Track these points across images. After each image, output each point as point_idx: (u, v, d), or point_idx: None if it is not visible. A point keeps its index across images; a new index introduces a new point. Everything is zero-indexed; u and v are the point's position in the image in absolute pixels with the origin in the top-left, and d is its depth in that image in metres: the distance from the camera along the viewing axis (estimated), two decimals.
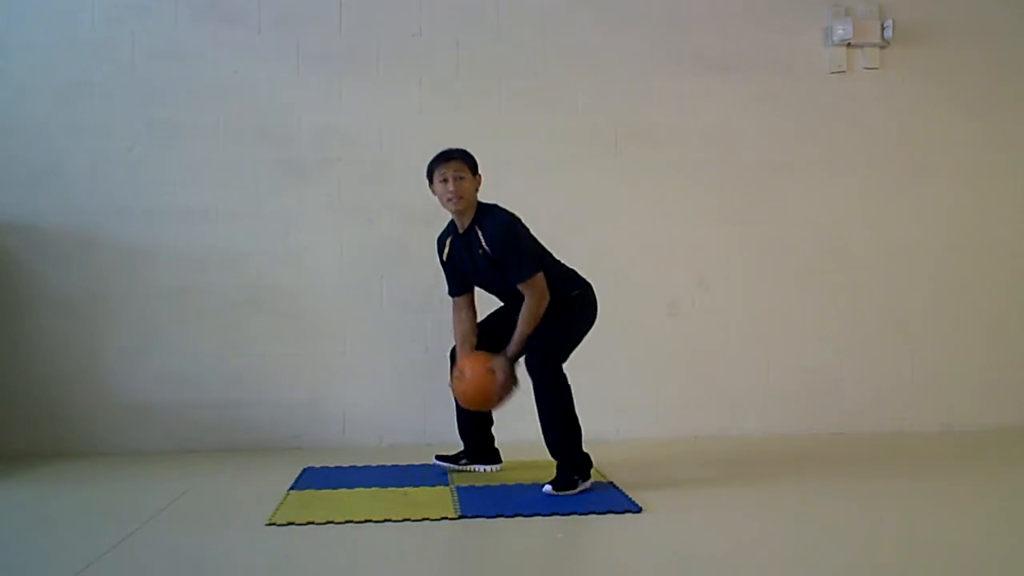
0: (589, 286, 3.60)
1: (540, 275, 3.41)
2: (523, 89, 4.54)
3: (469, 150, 3.52)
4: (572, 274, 3.59)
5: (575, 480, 3.34)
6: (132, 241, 4.40)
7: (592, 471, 3.43)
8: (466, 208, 3.46)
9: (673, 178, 4.59)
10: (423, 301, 4.46)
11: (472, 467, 3.74)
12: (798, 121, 4.66)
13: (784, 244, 4.64)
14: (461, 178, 3.43)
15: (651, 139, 4.58)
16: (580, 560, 2.76)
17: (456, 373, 3.50)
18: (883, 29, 4.64)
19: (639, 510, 3.09)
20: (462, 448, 3.79)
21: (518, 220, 3.48)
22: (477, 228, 3.45)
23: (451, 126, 4.40)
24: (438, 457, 3.79)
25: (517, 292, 3.46)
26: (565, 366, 3.43)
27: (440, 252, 3.66)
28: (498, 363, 3.39)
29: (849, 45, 4.64)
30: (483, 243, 3.42)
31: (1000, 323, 4.75)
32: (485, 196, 3.53)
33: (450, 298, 3.69)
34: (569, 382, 3.42)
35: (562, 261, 3.59)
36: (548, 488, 3.32)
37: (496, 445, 3.77)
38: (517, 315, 3.44)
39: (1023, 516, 3.12)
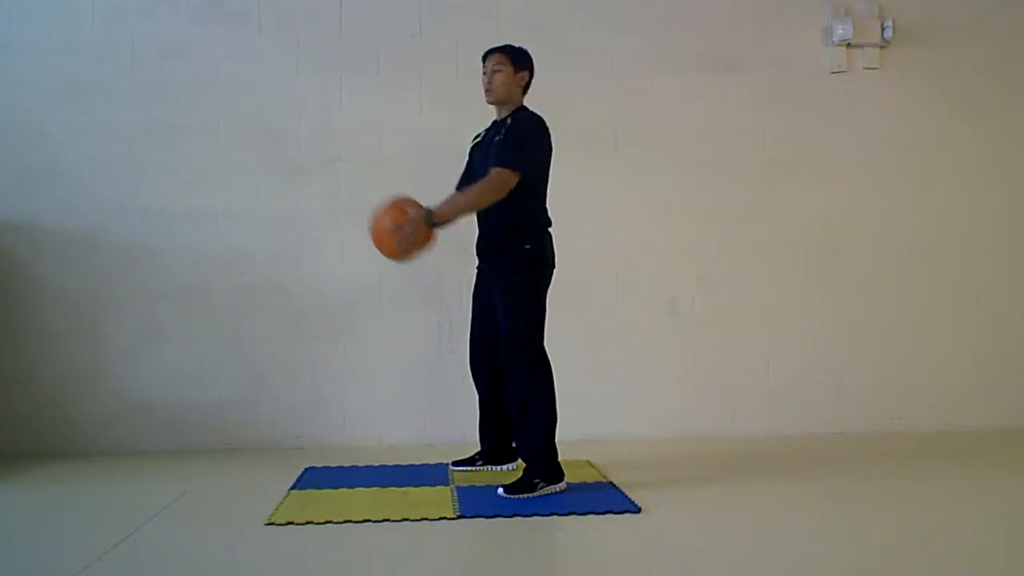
0: (545, 237, 3.46)
1: (515, 176, 3.31)
2: None
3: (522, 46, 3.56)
4: (537, 222, 3.45)
5: (535, 483, 3.29)
6: (132, 241, 4.41)
7: (592, 471, 3.41)
8: (501, 101, 3.50)
9: (673, 178, 4.59)
10: (423, 301, 4.46)
11: (488, 468, 3.73)
12: (798, 121, 4.66)
13: (784, 244, 4.64)
14: (498, 71, 3.47)
15: (651, 139, 4.58)
16: (579, 560, 2.75)
17: (379, 213, 3.38)
18: (883, 29, 4.63)
19: (638, 510, 3.09)
20: (477, 450, 3.78)
21: (547, 130, 3.45)
22: (509, 118, 3.47)
23: (451, 126, 4.39)
24: (454, 463, 3.79)
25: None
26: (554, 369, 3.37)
27: (473, 139, 3.67)
28: (411, 217, 3.27)
29: (849, 45, 4.63)
30: (507, 126, 3.43)
31: (1000, 323, 4.74)
32: None
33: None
34: (552, 372, 3.35)
35: (545, 210, 3.48)
36: (501, 491, 3.28)
37: (513, 445, 3.68)
38: (495, 313, 3.39)
39: (1022, 516, 3.12)
